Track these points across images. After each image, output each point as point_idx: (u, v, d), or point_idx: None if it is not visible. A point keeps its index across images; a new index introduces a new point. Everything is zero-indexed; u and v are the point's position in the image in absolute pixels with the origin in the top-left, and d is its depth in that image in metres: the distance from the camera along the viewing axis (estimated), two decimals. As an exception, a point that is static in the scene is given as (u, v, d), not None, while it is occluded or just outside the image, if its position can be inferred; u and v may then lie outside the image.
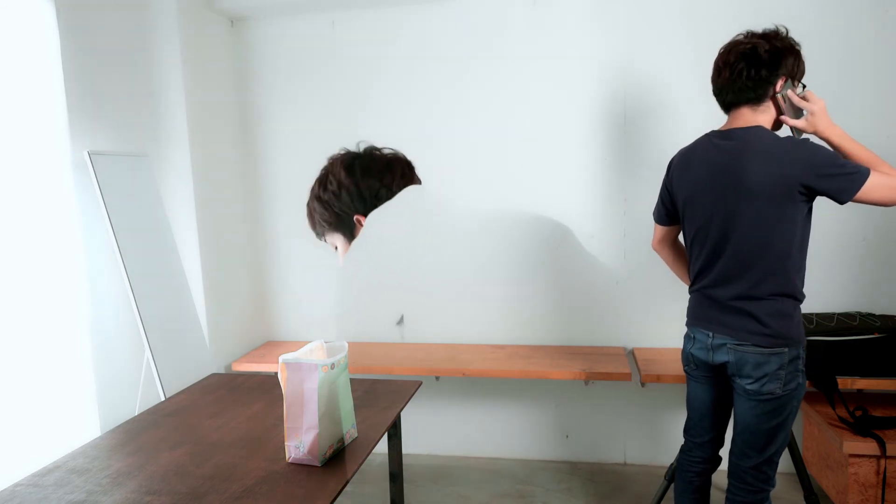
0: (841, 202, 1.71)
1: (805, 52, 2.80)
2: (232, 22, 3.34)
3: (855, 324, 2.61)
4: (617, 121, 3.01)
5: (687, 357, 2.01)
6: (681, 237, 2.11)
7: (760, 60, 1.79)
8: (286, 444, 1.57)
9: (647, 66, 2.95)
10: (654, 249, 2.18)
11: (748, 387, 1.81)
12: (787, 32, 1.85)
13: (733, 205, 1.78)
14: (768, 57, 1.79)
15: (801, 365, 1.80)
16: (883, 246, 2.86)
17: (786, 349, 1.76)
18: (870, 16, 2.76)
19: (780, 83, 1.80)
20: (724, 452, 2.13)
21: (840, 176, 1.67)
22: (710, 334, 1.88)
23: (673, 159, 2.02)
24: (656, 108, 2.97)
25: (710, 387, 1.99)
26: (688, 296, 2.03)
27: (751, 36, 1.84)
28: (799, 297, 1.80)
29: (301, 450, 1.55)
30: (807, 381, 2.57)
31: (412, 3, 3.12)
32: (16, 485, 1.52)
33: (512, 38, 3.07)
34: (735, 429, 1.90)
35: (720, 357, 1.87)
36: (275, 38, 3.31)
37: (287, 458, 1.58)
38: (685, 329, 2.03)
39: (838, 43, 2.79)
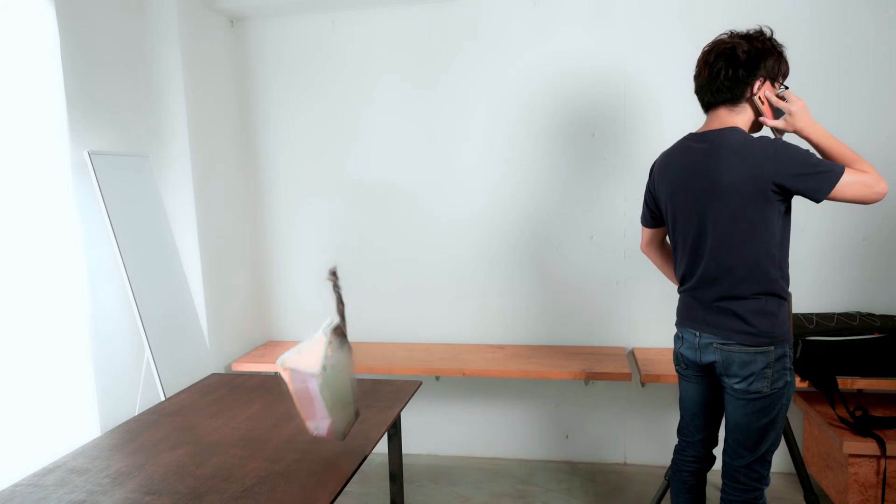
0: (816, 200, 1.71)
1: (804, 52, 2.82)
2: (232, 22, 3.34)
3: (855, 324, 2.61)
4: (617, 120, 3.01)
5: (677, 357, 2.03)
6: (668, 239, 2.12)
7: (738, 61, 1.79)
8: (306, 423, 1.61)
9: (647, 65, 2.95)
10: (643, 252, 2.21)
11: (736, 386, 1.82)
12: (772, 34, 1.84)
13: (708, 206, 1.79)
14: (746, 58, 1.79)
15: (788, 363, 1.81)
16: (883, 246, 2.86)
17: (771, 348, 1.77)
18: (870, 16, 2.75)
19: (757, 84, 1.80)
20: (719, 452, 2.13)
21: (813, 175, 1.68)
22: (697, 334, 1.90)
23: (654, 163, 2.04)
24: (656, 108, 2.97)
25: (700, 386, 2.00)
26: (686, 296, 2.04)
27: (733, 36, 1.85)
28: (783, 296, 1.81)
29: (321, 430, 1.61)
30: (807, 381, 2.60)
31: (412, 4, 3.12)
32: (16, 485, 1.52)
33: (512, 37, 3.06)
34: (726, 428, 1.91)
35: (708, 357, 1.88)
36: (275, 38, 3.31)
37: (310, 432, 1.63)
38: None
39: (838, 43, 2.79)
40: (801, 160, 1.68)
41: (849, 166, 1.70)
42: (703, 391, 2.00)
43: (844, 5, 2.77)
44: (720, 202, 1.76)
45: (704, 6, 2.88)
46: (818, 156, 1.75)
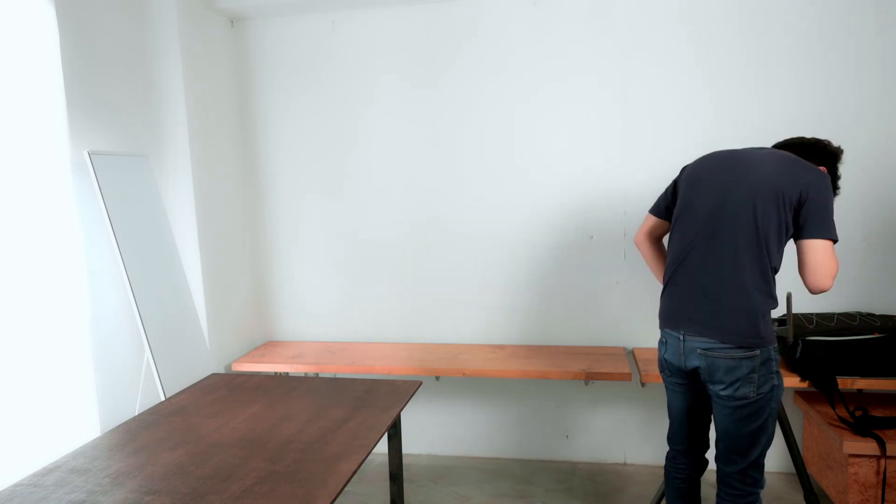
0: (803, 235, 1.77)
1: (805, 52, 2.82)
2: (232, 22, 3.34)
3: (855, 324, 2.61)
4: (616, 120, 3.01)
5: (661, 363, 2.03)
6: (666, 239, 2.14)
7: (822, 144, 1.96)
8: None
9: (647, 65, 2.95)
10: (636, 242, 2.20)
11: (722, 392, 1.82)
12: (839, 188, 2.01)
13: (737, 195, 1.81)
14: (832, 150, 1.96)
15: (774, 366, 1.81)
16: (883, 246, 2.86)
17: (757, 351, 1.77)
18: (870, 16, 2.75)
19: (820, 167, 1.91)
20: (711, 455, 2.13)
21: (827, 217, 1.76)
22: (681, 336, 1.89)
23: (687, 165, 2.05)
24: (656, 108, 2.97)
25: (685, 394, 2.00)
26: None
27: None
28: (774, 297, 1.82)
29: None
30: (807, 381, 2.60)
31: (412, 4, 3.12)
32: (16, 485, 1.52)
33: (513, 38, 3.06)
34: (717, 435, 1.91)
35: (692, 362, 1.88)
36: (275, 38, 3.31)
37: None
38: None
39: (839, 43, 2.79)
40: (830, 200, 1.78)
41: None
42: (688, 399, 2.00)
43: (845, 6, 2.77)
44: (750, 195, 1.79)
45: (704, 6, 2.88)
46: None
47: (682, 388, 1.99)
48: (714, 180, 1.88)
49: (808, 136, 2.05)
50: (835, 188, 1.95)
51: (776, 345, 1.82)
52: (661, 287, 3.00)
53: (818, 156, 1.94)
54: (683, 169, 2.05)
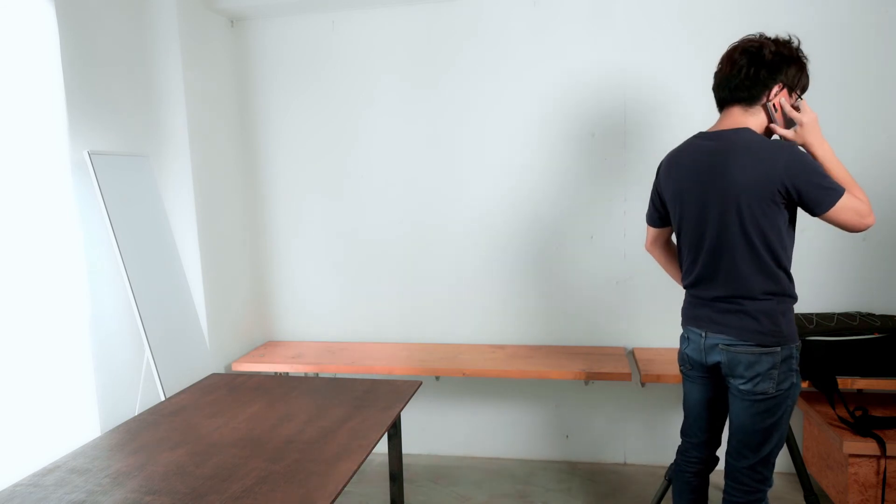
0: (814, 214, 1.73)
1: (805, 52, 2.81)
2: (232, 22, 3.34)
3: (855, 324, 2.61)
4: (617, 120, 3.01)
5: (682, 357, 2.03)
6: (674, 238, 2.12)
7: (762, 61, 1.79)
8: None
9: (647, 65, 2.95)
10: (647, 250, 2.20)
11: (741, 387, 1.82)
12: (799, 44, 1.84)
13: (718, 204, 1.80)
14: (772, 59, 1.79)
15: (794, 364, 1.81)
16: (883, 246, 2.86)
17: (778, 348, 1.77)
18: (870, 16, 2.76)
19: (775, 89, 1.80)
20: (722, 453, 2.13)
21: (820, 187, 1.69)
22: (703, 333, 1.90)
23: (662, 162, 2.03)
24: (656, 108, 2.97)
25: (704, 387, 2.00)
26: (687, 296, 2.04)
27: (762, 37, 1.84)
28: (791, 295, 1.81)
29: None
30: (807, 381, 2.60)
31: (412, 4, 3.12)
32: (16, 485, 1.53)
33: (513, 38, 3.06)
34: (730, 429, 1.91)
35: (713, 357, 1.88)
36: (275, 38, 3.31)
37: None
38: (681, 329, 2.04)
39: (838, 42, 2.79)
40: (812, 169, 1.70)
41: (847, 190, 1.71)
42: (707, 392, 2.00)
43: (845, 5, 2.77)
44: (730, 200, 1.76)
45: (704, 6, 2.88)
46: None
47: (702, 381, 1.99)
48: (694, 195, 1.85)
49: (757, 34, 1.83)
50: (802, 89, 1.83)
51: (798, 343, 1.82)
52: (662, 286, 3.02)
53: (787, 70, 1.79)
54: (658, 170, 2.03)
